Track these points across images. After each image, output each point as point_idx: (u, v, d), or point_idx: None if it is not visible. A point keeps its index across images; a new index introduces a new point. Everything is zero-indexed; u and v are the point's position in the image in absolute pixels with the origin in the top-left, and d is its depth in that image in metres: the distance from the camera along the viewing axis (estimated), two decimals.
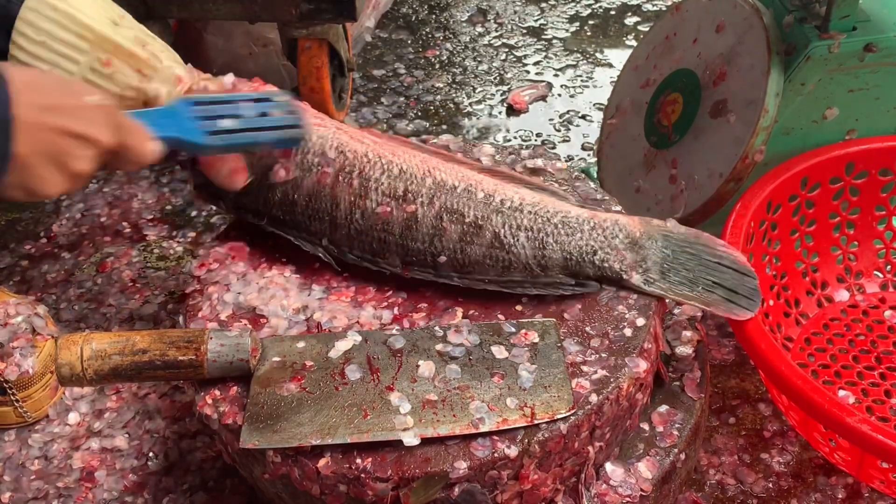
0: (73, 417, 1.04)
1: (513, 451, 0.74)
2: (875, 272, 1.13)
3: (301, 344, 0.83)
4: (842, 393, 1.00)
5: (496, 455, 0.74)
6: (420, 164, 0.91)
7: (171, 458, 0.99)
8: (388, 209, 0.88)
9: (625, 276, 0.86)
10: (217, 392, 0.80)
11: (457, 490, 0.74)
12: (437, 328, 0.84)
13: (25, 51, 0.86)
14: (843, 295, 1.12)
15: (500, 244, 0.87)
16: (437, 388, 0.78)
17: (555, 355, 0.80)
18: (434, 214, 0.87)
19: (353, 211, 0.88)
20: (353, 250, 0.90)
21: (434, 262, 0.88)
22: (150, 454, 1.00)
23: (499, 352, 0.81)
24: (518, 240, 0.87)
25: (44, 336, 1.00)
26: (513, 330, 0.83)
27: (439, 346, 0.82)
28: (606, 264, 0.86)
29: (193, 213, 1.35)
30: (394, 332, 0.84)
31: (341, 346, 0.82)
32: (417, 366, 0.80)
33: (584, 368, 0.80)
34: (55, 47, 0.86)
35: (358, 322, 0.86)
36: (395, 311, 0.87)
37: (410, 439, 0.74)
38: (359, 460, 0.74)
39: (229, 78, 0.95)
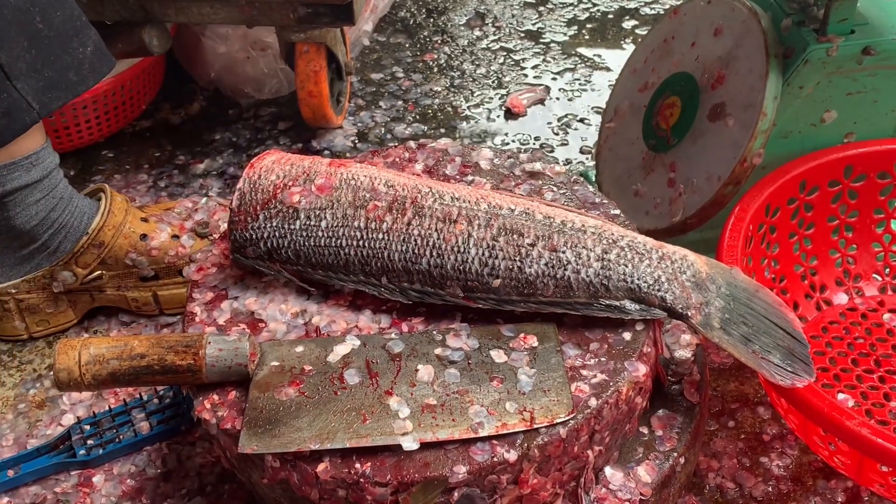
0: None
1: (512, 456, 0.74)
2: (874, 275, 1.13)
3: (300, 348, 0.82)
4: (841, 396, 1.00)
5: (495, 459, 0.74)
6: (472, 192, 0.89)
7: (169, 464, 0.99)
8: (444, 233, 0.85)
9: (689, 314, 0.83)
10: (215, 397, 0.80)
11: (456, 494, 0.74)
12: (435, 332, 0.84)
13: None
14: (841, 298, 1.12)
15: (561, 262, 0.83)
16: (436, 392, 0.78)
17: (554, 359, 0.80)
18: (491, 236, 0.85)
19: (409, 241, 0.85)
20: (414, 284, 0.86)
21: (493, 286, 0.84)
22: (148, 460, 0.99)
23: (498, 356, 0.81)
24: (581, 258, 0.84)
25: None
26: (512, 334, 0.83)
27: (438, 351, 0.82)
28: (671, 296, 0.83)
29: None
30: (392, 336, 0.84)
31: (340, 351, 0.82)
32: (416, 370, 0.80)
33: (584, 372, 0.80)
34: None
35: (356, 326, 0.86)
36: (394, 315, 0.87)
37: (410, 444, 0.74)
38: (358, 465, 0.74)
39: None
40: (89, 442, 0.99)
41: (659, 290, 0.83)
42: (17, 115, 1.00)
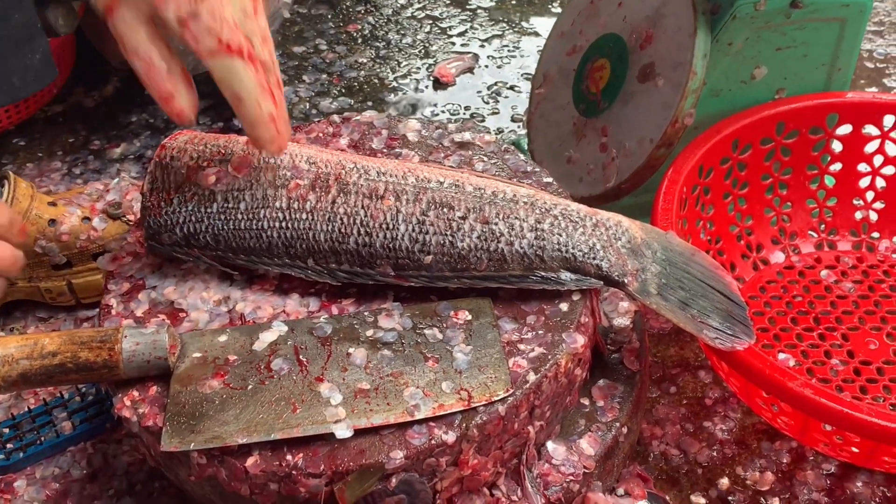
0: None
1: (450, 437, 0.71)
2: (809, 232, 1.12)
3: (223, 337, 0.78)
4: (782, 356, 0.99)
5: (433, 442, 0.71)
6: (400, 166, 0.85)
7: (94, 464, 0.94)
8: (371, 210, 0.81)
9: (626, 281, 0.81)
10: (135, 393, 0.76)
11: (394, 481, 0.71)
12: (366, 313, 0.80)
13: None
14: (778, 257, 1.11)
15: (494, 234, 0.80)
16: (369, 376, 0.75)
17: (490, 335, 0.77)
18: (420, 211, 0.81)
19: (335, 220, 0.81)
20: (342, 265, 0.82)
21: (425, 263, 0.81)
22: (73, 460, 0.95)
23: (432, 335, 0.78)
24: (514, 229, 0.81)
25: None
26: (446, 312, 0.80)
27: (370, 332, 0.78)
28: (606, 264, 0.80)
29: None
30: (321, 319, 0.80)
31: (266, 338, 0.78)
32: (348, 354, 0.76)
33: (521, 347, 0.77)
34: None
35: (284, 311, 0.82)
36: (323, 297, 0.84)
37: (343, 432, 0.70)
38: (289, 457, 0.70)
39: None
40: (8, 446, 0.94)
41: (594, 259, 0.81)
42: None
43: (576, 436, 0.82)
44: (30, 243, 1.06)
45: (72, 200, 1.10)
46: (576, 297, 0.81)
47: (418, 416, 0.71)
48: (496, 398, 0.73)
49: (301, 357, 0.76)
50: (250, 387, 0.74)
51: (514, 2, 1.73)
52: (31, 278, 1.08)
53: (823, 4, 1.02)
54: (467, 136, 0.98)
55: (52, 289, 1.09)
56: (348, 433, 0.70)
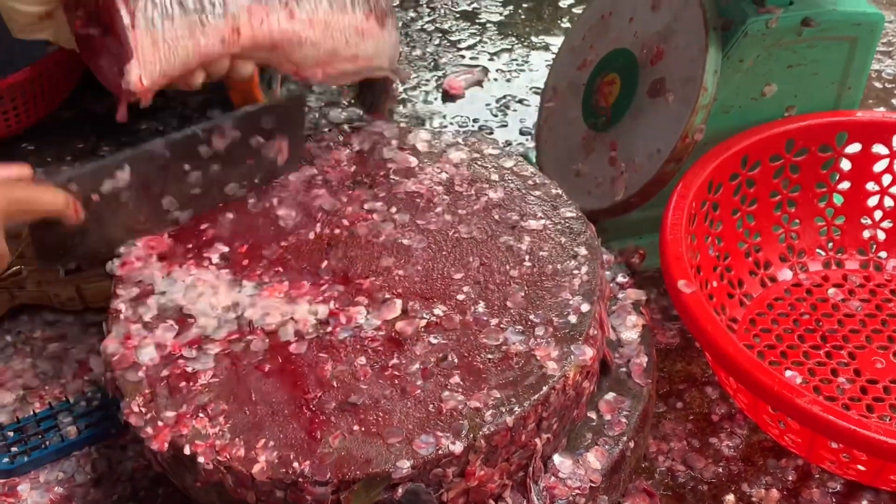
0: None
1: (458, 447, 0.71)
2: (817, 250, 1.12)
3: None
4: (789, 373, 0.99)
5: (440, 452, 0.71)
6: None
7: (99, 469, 0.94)
8: None
9: None
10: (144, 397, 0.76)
11: (400, 490, 0.71)
12: None
13: None
14: (786, 274, 1.11)
15: None
16: None
17: None
18: None
19: None
20: None
21: None
22: (77, 465, 0.95)
23: None
24: None
25: None
26: None
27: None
28: None
29: None
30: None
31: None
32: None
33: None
34: None
35: (292, 318, 0.82)
36: (332, 305, 0.84)
37: None
38: (296, 464, 0.70)
39: None
40: (13, 449, 0.94)
41: None
42: None
43: (583, 449, 0.82)
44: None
45: None
46: (585, 309, 0.81)
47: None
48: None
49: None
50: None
51: (523, 16, 1.74)
52: (39, 282, 1.08)
53: (834, 23, 1.03)
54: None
55: (61, 293, 1.09)
56: None
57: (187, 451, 0.72)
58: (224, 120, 0.89)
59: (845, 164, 1.10)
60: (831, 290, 1.09)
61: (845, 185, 1.11)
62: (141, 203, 0.88)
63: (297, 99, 0.96)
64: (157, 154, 0.87)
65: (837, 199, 1.12)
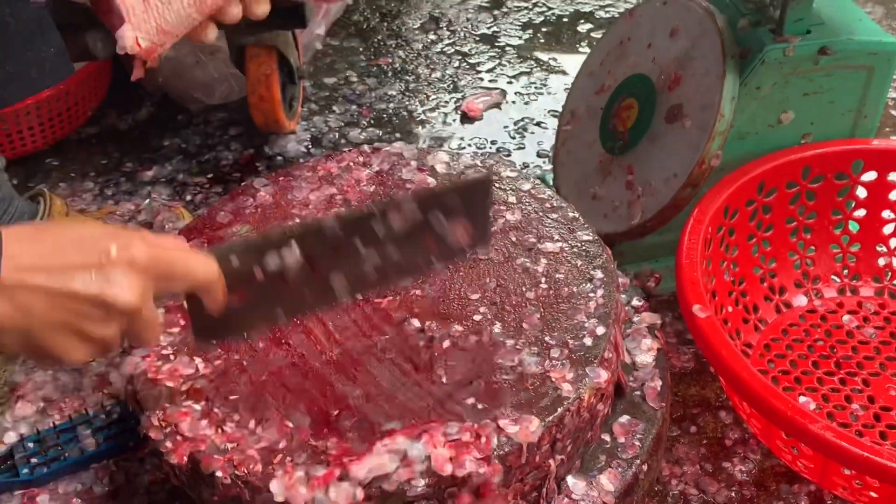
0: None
1: (473, 467, 0.72)
2: (832, 277, 1.13)
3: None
4: (802, 399, 0.99)
5: (455, 471, 0.71)
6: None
7: (116, 481, 0.95)
8: None
9: None
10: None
11: None
12: None
13: None
14: (801, 300, 1.11)
15: None
16: None
17: None
18: None
19: None
20: None
21: None
22: (95, 477, 0.96)
23: None
24: None
25: None
26: None
27: None
28: None
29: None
30: None
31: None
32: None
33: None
34: None
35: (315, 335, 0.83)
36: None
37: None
38: (312, 480, 0.71)
39: None
40: (33, 460, 0.95)
41: None
42: None
43: (596, 471, 0.82)
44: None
45: (104, 221, 1.11)
46: (600, 332, 0.82)
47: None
48: None
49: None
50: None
51: (542, 40, 1.75)
52: None
53: (851, 52, 1.04)
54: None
55: None
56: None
57: (205, 465, 0.73)
58: (404, 198, 0.79)
59: (861, 192, 1.11)
60: (846, 317, 1.09)
61: (861, 212, 1.12)
62: (308, 281, 0.78)
63: (484, 180, 0.84)
64: (328, 230, 0.77)
65: (853, 227, 1.12)
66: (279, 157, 1.45)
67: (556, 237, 0.93)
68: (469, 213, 0.82)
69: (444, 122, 1.54)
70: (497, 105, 1.58)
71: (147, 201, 1.16)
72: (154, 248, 0.68)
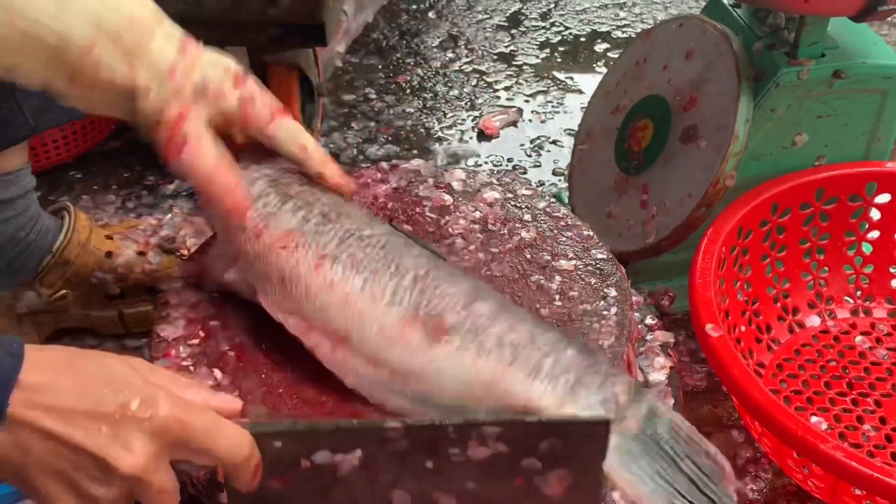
0: None
1: None
2: (846, 298, 1.13)
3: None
4: (814, 419, 0.99)
5: None
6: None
7: None
8: None
9: None
10: None
11: None
12: None
13: None
14: (814, 321, 1.12)
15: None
16: None
17: None
18: None
19: None
20: None
21: None
22: None
23: None
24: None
25: None
26: None
27: None
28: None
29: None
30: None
31: None
32: None
33: None
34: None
35: None
36: None
37: None
38: None
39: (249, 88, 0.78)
40: None
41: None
42: (11, 128, 0.98)
43: (608, 489, 0.83)
44: (86, 273, 1.09)
45: (127, 235, 1.13)
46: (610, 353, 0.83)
47: None
48: None
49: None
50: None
51: (559, 59, 1.77)
52: (84, 306, 1.12)
53: (865, 76, 1.05)
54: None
55: (104, 317, 1.12)
56: None
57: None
58: (487, 425, 0.64)
59: (875, 214, 1.11)
60: (858, 338, 1.10)
61: (874, 234, 1.12)
62: (365, 487, 0.66)
63: (600, 422, 0.65)
64: (392, 439, 0.64)
65: (866, 248, 1.13)
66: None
67: (571, 255, 0.94)
68: (572, 461, 0.66)
69: (462, 140, 1.56)
70: (514, 123, 1.60)
71: (169, 216, 1.18)
72: (178, 411, 0.60)
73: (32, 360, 0.58)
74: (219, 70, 0.76)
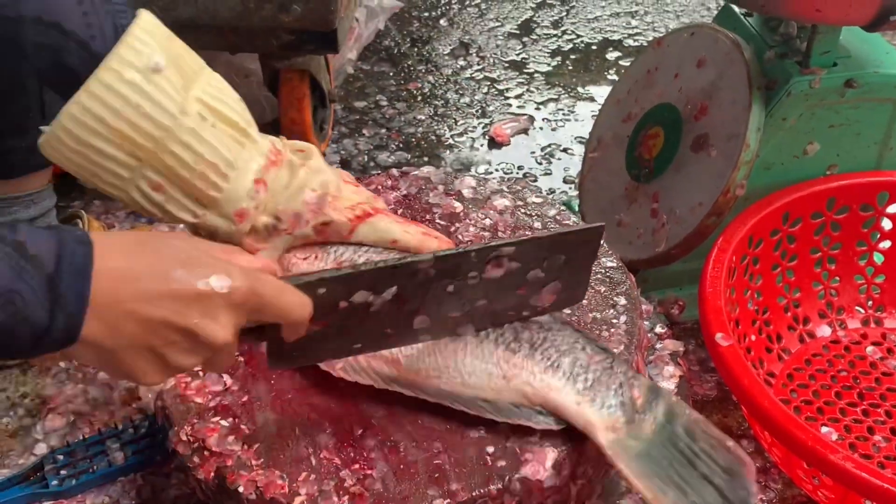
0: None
1: (493, 489, 0.72)
2: (856, 308, 1.13)
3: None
4: (825, 429, 0.99)
5: (475, 493, 0.72)
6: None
7: (143, 495, 0.96)
8: None
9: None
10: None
11: None
12: None
13: (60, 151, 0.72)
14: (824, 330, 1.11)
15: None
16: None
17: None
18: None
19: None
20: None
21: None
22: (123, 490, 0.97)
23: None
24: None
25: None
26: None
27: None
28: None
29: None
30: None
31: None
32: None
33: None
34: (95, 159, 0.72)
35: None
36: None
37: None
38: (335, 498, 0.72)
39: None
40: (62, 472, 0.97)
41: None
42: (36, 155, 0.99)
43: (617, 497, 0.83)
44: None
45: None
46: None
47: None
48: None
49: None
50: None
51: (570, 67, 1.77)
52: None
53: (877, 85, 1.04)
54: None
55: None
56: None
57: (231, 481, 0.74)
58: (506, 249, 0.75)
59: (886, 224, 1.11)
60: (869, 348, 1.09)
61: (886, 244, 1.12)
62: (392, 318, 0.75)
63: (596, 228, 0.78)
64: (422, 271, 0.73)
65: (878, 258, 1.13)
66: None
67: None
68: (569, 268, 0.78)
69: (472, 147, 1.56)
70: (525, 131, 1.60)
71: (182, 225, 1.18)
72: (252, 282, 0.65)
73: (105, 246, 0.61)
74: (296, 201, 0.79)
